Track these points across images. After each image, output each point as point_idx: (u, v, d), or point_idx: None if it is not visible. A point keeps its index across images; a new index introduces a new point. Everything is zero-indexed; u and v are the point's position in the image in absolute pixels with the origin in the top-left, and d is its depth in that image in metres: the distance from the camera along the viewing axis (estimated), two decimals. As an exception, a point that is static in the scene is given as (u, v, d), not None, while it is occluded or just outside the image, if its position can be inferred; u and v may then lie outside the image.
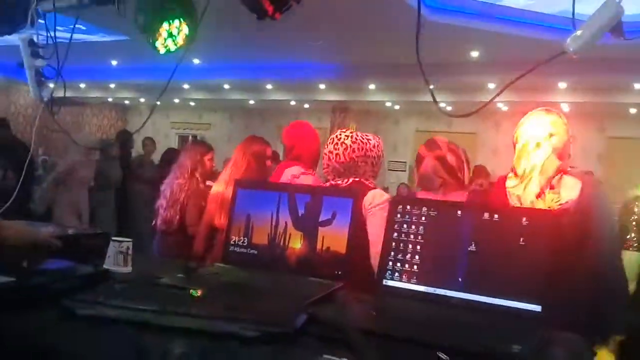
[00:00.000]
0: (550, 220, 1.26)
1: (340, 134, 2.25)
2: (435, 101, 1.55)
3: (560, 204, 1.92)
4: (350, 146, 2.19)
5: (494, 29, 6.82)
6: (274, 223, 1.57)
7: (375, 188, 2.17)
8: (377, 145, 2.25)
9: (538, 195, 1.96)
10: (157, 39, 2.20)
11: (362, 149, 2.19)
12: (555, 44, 1.48)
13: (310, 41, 7.81)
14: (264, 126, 12.29)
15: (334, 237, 1.49)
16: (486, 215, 1.32)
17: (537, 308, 1.22)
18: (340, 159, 2.19)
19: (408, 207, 1.42)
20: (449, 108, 10.69)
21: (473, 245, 1.31)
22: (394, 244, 1.41)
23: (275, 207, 1.58)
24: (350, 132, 2.25)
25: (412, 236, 1.39)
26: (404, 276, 1.38)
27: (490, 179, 5.34)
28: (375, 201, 2.07)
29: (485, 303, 1.27)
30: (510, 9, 6.59)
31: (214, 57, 9.25)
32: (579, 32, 1.42)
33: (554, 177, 1.96)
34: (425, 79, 1.60)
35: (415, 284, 1.36)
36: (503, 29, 6.81)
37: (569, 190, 1.95)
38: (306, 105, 11.62)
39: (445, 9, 6.73)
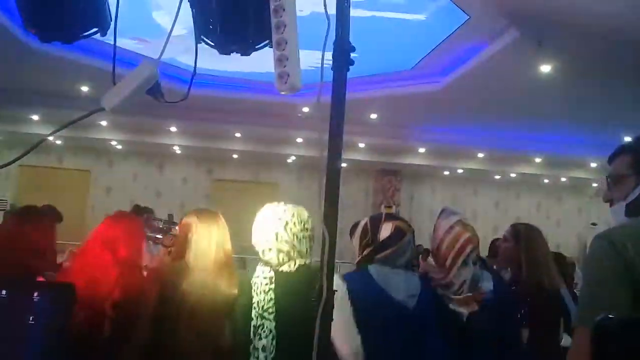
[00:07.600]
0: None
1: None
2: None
3: None
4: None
5: (101, 66, 6.69)
6: None
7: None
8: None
9: None
10: None
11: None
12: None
13: None
14: None
15: None
16: (-9, 290, 1.12)
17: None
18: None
19: None
20: (58, 142, 9.94)
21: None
22: None
23: None
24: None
25: None
26: None
27: None
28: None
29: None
30: (122, 50, 6.58)
31: None
32: (114, 90, 1.39)
33: None
34: None
35: None
36: (109, 67, 6.74)
37: None
38: None
39: (50, 39, 6.27)
